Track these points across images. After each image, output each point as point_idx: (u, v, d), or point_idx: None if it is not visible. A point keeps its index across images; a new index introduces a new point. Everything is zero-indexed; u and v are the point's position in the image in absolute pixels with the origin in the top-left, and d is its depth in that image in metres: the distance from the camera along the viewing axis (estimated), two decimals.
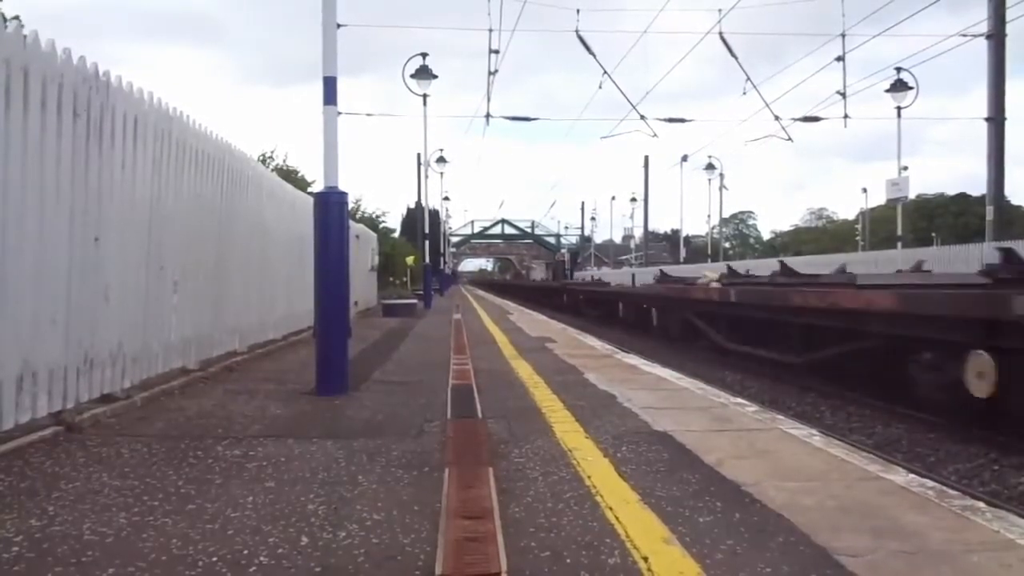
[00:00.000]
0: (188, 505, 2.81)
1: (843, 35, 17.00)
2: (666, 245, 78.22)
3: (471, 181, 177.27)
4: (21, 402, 3.73)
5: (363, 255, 16.91)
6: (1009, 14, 16.09)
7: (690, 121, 18.97)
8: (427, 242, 25.65)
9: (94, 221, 4.43)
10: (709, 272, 14.29)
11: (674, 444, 3.83)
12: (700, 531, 2.53)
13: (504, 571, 2.16)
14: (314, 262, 5.61)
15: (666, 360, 9.51)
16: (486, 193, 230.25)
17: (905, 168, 22.45)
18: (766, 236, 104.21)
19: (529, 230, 79.18)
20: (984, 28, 16.24)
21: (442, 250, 46.45)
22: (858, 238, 62.57)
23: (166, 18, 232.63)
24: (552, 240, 76.97)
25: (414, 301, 19.54)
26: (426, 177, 27.23)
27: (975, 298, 6.20)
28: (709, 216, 45.50)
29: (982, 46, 16.34)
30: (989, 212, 16.54)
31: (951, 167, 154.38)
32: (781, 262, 13.56)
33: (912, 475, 3.31)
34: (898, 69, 18.90)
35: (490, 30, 17.97)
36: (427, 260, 25.52)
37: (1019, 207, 58.21)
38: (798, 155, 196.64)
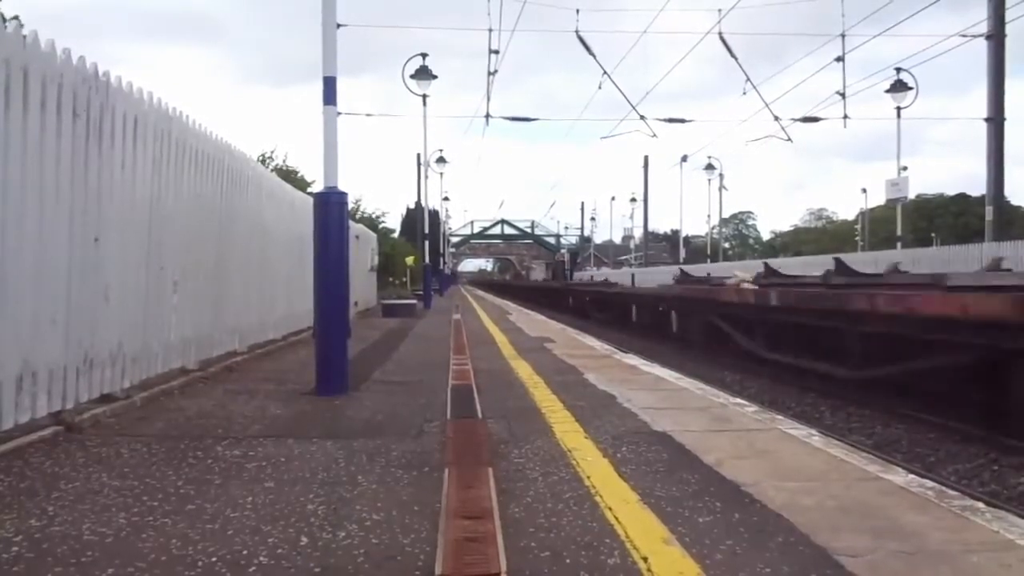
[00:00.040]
0: (188, 505, 2.81)
1: (843, 35, 17.04)
2: (666, 245, 78.31)
3: (471, 181, 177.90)
4: (21, 402, 3.73)
5: (363, 255, 16.91)
6: (1009, 14, 16.11)
7: (690, 121, 19.06)
8: (427, 242, 25.65)
9: (94, 221, 4.43)
10: (740, 272, 12.71)
11: (674, 444, 3.83)
12: (700, 531, 2.53)
13: (504, 571, 2.16)
14: (314, 262, 5.61)
15: (666, 360, 9.51)
16: (486, 193, 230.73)
17: (905, 168, 22.49)
18: (766, 236, 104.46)
19: (529, 230, 79.25)
20: (984, 28, 16.26)
21: (442, 250, 46.45)
22: (858, 238, 62.60)
23: (166, 18, 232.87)
24: (552, 240, 77.04)
25: (414, 301, 19.54)
26: (426, 177, 27.32)
27: None
28: (709, 216, 45.52)
29: (982, 46, 16.36)
30: (989, 212, 16.56)
31: (951, 167, 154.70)
32: (836, 259, 11.57)
33: (912, 475, 3.31)
34: (898, 69, 18.97)
35: (490, 30, 18.02)
36: (427, 260, 25.52)
37: (1019, 207, 58.28)
38: (798, 155, 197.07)
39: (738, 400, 5.44)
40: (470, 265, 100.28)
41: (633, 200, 55.79)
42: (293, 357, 8.01)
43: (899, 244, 21.53)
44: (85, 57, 4.32)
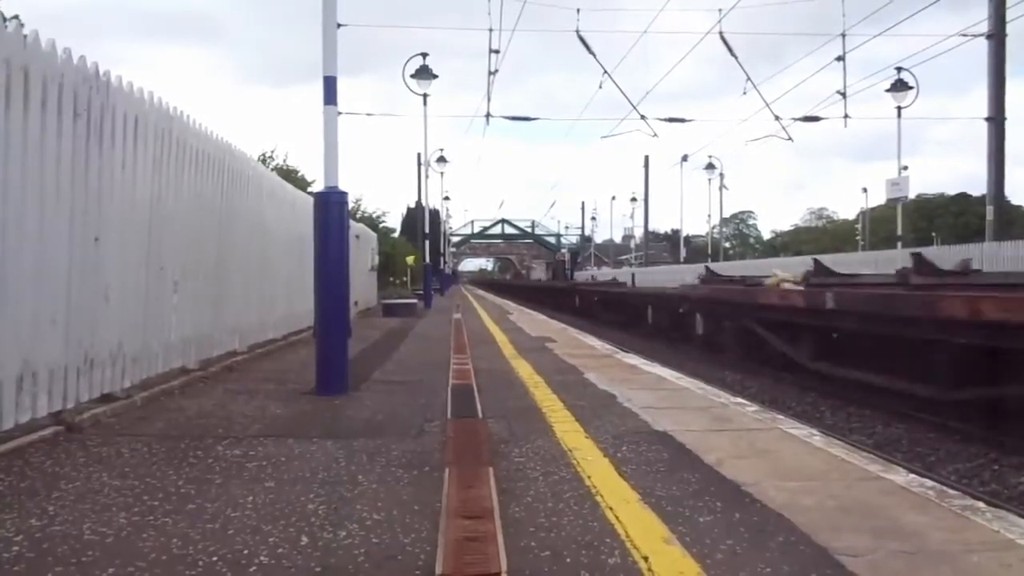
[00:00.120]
0: (188, 505, 2.81)
1: (843, 35, 17.04)
2: (666, 245, 78.36)
3: (471, 181, 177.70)
4: (21, 402, 3.73)
5: (363, 255, 16.91)
6: (1009, 14, 16.15)
7: (690, 121, 19.06)
8: (427, 242, 25.65)
9: (94, 221, 4.43)
10: (780, 271, 11.29)
11: (674, 444, 3.83)
12: (700, 531, 2.53)
13: (504, 571, 2.16)
14: (314, 262, 5.61)
15: (666, 360, 9.51)
16: (486, 193, 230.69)
17: (905, 168, 22.53)
18: (766, 236, 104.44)
19: (529, 230, 79.21)
20: (984, 28, 16.28)
21: (442, 250, 46.45)
22: (858, 238, 62.60)
23: (166, 18, 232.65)
24: (552, 240, 77.01)
25: (414, 301, 19.54)
26: (426, 177, 27.28)
27: None
28: (709, 216, 45.57)
29: (982, 46, 16.40)
30: (989, 212, 16.59)
31: (951, 167, 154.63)
32: (915, 255, 9.16)
33: (912, 475, 3.31)
34: (898, 69, 18.96)
35: (490, 30, 18.03)
36: (427, 260, 25.52)
37: (1019, 207, 58.25)
38: (798, 155, 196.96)
39: (739, 400, 5.44)
40: (470, 265, 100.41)
41: (633, 200, 55.92)
42: (293, 357, 8.01)
43: (899, 244, 21.54)
44: (85, 57, 4.33)
